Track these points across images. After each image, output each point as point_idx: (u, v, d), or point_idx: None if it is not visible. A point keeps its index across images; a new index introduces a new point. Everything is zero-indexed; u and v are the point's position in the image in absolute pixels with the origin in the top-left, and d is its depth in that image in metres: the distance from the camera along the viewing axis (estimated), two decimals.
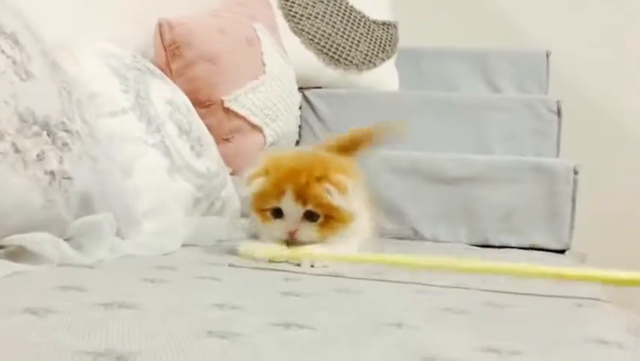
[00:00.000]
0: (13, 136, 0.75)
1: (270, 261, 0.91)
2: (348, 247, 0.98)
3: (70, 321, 0.50)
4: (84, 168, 0.85)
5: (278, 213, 0.96)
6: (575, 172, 1.43)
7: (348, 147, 1.19)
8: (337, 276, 0.83)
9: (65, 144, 0.82)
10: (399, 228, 1.51)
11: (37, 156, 0.77)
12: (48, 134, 0.80)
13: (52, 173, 0.79)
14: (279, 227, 0.97)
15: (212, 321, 0.53)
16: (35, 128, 0.78)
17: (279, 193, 0.95)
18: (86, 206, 0.85)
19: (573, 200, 1.42)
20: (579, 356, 0.50)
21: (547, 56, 2.01)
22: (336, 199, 0.94)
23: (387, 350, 0.48)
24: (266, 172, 0.98)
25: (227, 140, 1.45)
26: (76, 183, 0.83)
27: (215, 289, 0.69)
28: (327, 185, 0.95)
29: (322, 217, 0.96)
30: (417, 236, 1.50)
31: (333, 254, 0.93)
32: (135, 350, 0.43)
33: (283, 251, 0.94)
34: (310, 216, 0.96)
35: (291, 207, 0.95)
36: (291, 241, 0.96)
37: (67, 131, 0.84)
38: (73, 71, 1.00)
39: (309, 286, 0.74)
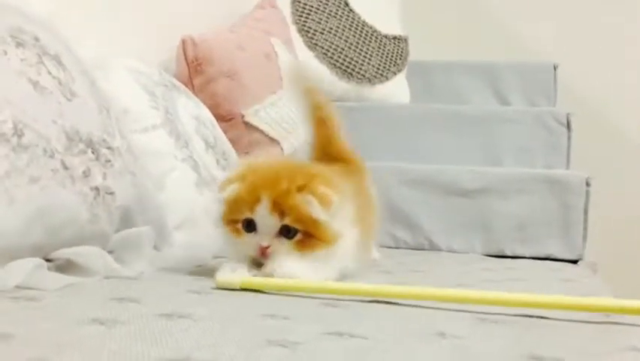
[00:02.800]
0: (62, 154, 0.78)
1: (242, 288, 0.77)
2: (327, 269, 0.84)
3: (138, 331, 0.53)
4: (125, 183, 0.89)
5: (250, 225, 0.83)
6: (588, 184, 1.46)
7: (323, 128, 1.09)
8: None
9: (108, 161, 0.86)
10: (414, 239, 1.55)
11: (84, 172, 0.81)
12: (92, 152, 0.84)
13: (96, 189, 0.82)
14: (250, 242, 0.83)
15: (269, 330, 0.56)
16: (81, 145, 0.82)
17: (254, 202, 0.82)
18: (126, 220, 0.89)
19: (586, 211, 1.46)
20: None
21: (554, 68, 2.06)
22: (318, 214, 0.82)
23: (438, 357, 0.51)
24: (242, 178, 0.85)
25: (246, 153, 1.48)
26: (118, 198, 0.86)
27: (259, 300, 0.72)
28: (310, 196, 0.82)
29: (301, 234, 0.82)
30: (432, 247, 1.53)
31: (307, 283, 0.77)
32: (210, 358, 0.46)
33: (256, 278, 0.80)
34: (287, 232, 0.82)
35: (266, 219, 0.82)
36: (261, 259, 0.83)
37: (109, 148, 0.87)
38: (106, 88, 1.04)
39: (343, 298, 0.76)
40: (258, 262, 0.84)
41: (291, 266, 0.80)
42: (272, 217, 0.82)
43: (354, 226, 0.89)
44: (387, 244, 1.53)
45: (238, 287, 0.77)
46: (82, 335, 0.51)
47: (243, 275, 0.80)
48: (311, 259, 0.82)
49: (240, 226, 0.84)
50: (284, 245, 0.82)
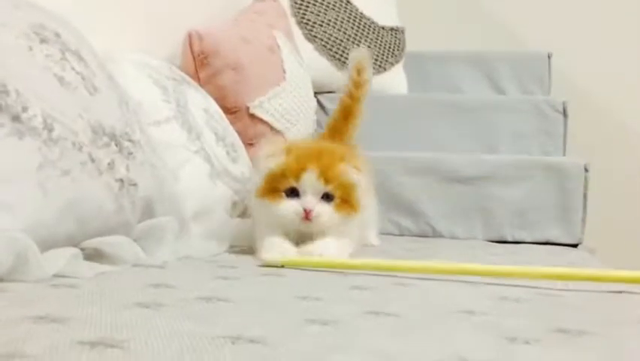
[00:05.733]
0: (89, 147, 0.80)
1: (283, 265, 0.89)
2: (345, 243, 1.00)
3: (184, 312, 0.56)
4: (146, 175, 0.91)
5: (292, 193, 0.97)
6: (586, 170, 1.50)
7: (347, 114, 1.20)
8: (389, 272, 0.87)
9: (130, 153, 0.88)
10: (417, 226, 1.58)
11: (108, 164, 0.83)
12: (115, 144, 0.86)
13: (121, 180, 0.84)
14: (293, 207, 0.96)
15: (305, 310, 0.59)
16: (105, 139, 0.84)
17: (300, 171, 0.96)
18: (148, 210, 0.91)
19: (584, 196, 1.50)
20: (637, 333, 0.57)
21: (548, 57, 2.09)
22: (356, 179, 0.98)
23: (472, 333, 0.54)
24: (287, 151, 0.99)
25: (251, 144, 1.50)
26: (140, 189, 0.88)
27: (286, 285, 0.75)
28: (348, 165, 0.98)
29: (338, 200, 0.97)
30: (435, 233, 1.57)
31: (346, 261, 0.92)
32: (260, 335, 0.49)
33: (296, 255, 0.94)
34: (326, 198, 0.97)
35: (312, 186, 0.96)
36: (304, 222, 0.96)
37: (130, 140, 0.89)
38: (120, 82, 1.06)
39: (368, 281, 0.79)
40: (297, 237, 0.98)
41: (330, 246, 0.95)
42: (317, 184, 0.96)
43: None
44: (391, 232, 1.56)
45: (280, 265, 0.89)
46: (131, 317, 0.53)
47: (287, 250, 0.95)
48: (341, 233, 0.98)
49: (282, 194, 0.97)
50: (325, 208, 0.96)
